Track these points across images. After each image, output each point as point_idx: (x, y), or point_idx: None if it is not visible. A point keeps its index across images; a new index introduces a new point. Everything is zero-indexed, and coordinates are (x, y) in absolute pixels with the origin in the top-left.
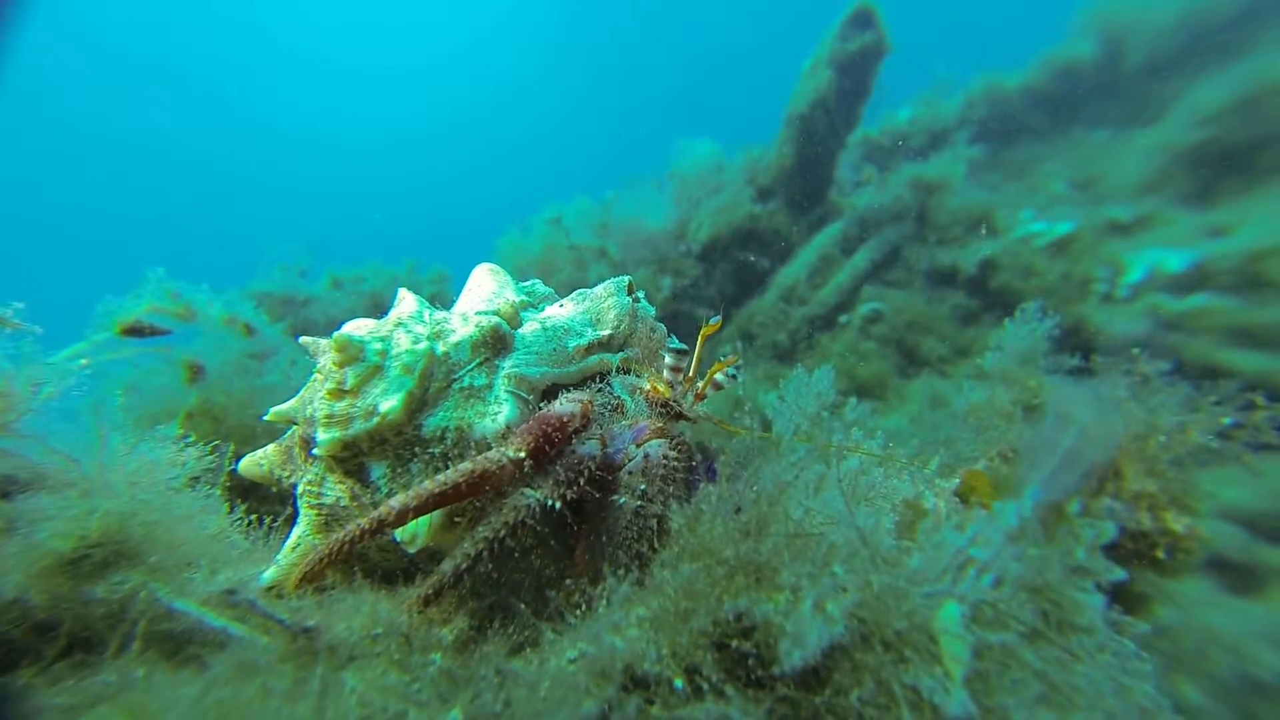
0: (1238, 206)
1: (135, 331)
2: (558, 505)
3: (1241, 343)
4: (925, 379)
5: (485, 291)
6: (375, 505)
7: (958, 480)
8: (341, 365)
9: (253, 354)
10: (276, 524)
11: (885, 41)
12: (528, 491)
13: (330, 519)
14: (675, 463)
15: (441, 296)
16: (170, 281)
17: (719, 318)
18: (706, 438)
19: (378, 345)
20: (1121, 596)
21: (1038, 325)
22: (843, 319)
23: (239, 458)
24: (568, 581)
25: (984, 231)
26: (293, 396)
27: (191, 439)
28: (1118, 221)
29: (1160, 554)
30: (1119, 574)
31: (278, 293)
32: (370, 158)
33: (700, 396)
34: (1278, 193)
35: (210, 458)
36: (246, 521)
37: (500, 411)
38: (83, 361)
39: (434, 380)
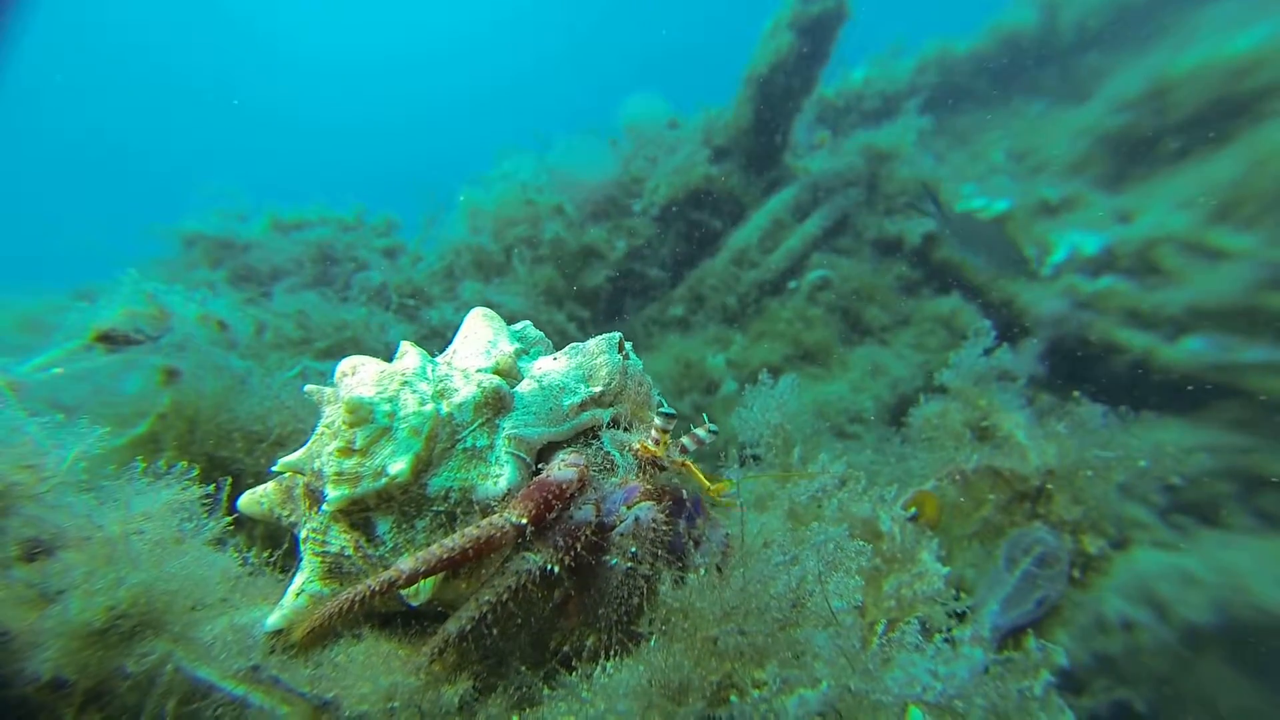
0: (1142, 192)
1: (109, 339)
2: (556, 569)
3: (1133, 323)
4: (867, 348)
5: (481, 341)
6: (380, 559)
7: (911, 507)
8: (351, 426)
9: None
10: (275, 557)
11: (846, 7)
12: (528, 555)
13: (334, 567)
14: (664, 525)
15: (392, 251)
16: (145, 283)
17: (716, 428)
18: (689, 485)
19: (386, 407)
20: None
21: (990, 348)
22: (791, 285)
23: (236, 492)
24: (559, 633)
25: (927, 205)
26: (266, 393)
27: (180, 467)
28: (1048, 201)
29: (1075, 573)
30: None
31: (213, 235)
32: (318, 93)
33: (684, 454)
34: (1172, 181)
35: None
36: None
37: (501, 475)
38: (57, 370)
39: (439, 441)
